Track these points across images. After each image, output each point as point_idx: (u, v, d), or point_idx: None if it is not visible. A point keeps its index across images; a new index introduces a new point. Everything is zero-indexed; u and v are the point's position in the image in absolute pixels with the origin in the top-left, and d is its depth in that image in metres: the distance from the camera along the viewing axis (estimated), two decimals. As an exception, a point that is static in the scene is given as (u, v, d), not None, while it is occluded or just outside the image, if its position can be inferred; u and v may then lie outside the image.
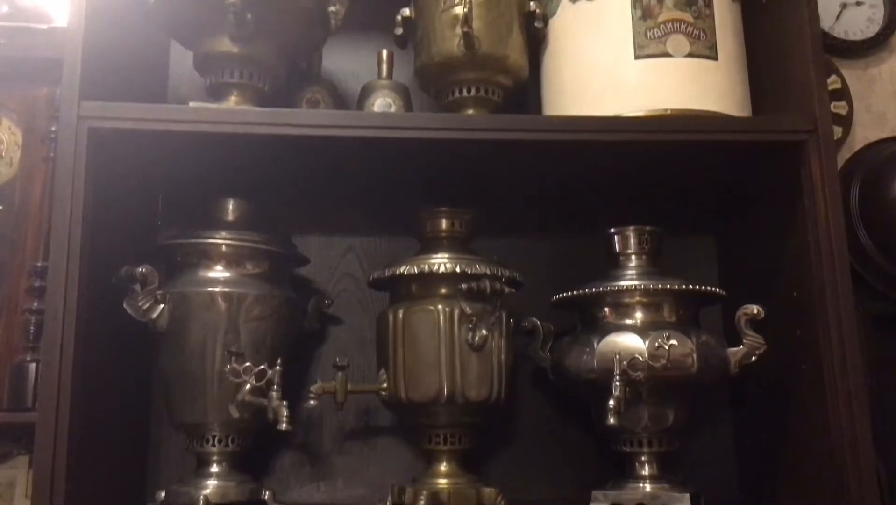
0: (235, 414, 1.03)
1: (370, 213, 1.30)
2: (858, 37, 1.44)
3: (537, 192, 1.28)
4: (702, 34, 1.09)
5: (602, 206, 1.27)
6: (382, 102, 1.21)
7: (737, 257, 1.27)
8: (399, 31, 1.19)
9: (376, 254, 1.30)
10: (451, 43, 1.12)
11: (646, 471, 1.06)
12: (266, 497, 1.05)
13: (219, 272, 1.07)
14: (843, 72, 1.43)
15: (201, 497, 0.99)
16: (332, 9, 1.15)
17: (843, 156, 1.38)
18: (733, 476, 1.24)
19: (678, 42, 1.08)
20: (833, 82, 1.41)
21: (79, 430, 0.93)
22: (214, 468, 1.05)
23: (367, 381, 1.18)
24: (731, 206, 1.27)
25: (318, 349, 1.27)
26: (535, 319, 1.16)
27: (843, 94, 1.41)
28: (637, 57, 1.08)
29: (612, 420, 0.96)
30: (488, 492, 1.02)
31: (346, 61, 1.35)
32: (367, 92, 1.22)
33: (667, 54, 1.07)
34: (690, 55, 1.08)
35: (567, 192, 1.28)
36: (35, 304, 1.13)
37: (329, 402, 1.21)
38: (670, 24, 1.08)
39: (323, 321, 1.26)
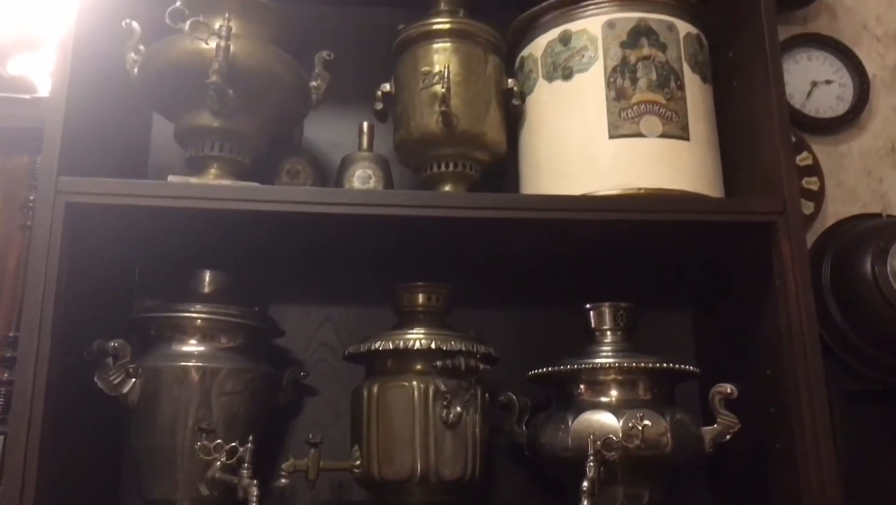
0: (205, 491, 1.02)
1: (347, 283, 1.31)
2: (829, 114, 1.48)
3: (514, 267, 1.29)
4: (674, 115, 1.11)
5: (578, 281, 1.28)
6: (362, 174, 1.22)
7: (713, 332, 1.28)
8: (379, 105, 1.21)
9: (353, 324, 1.30)
10: (430, 120, 1.14)
11: (621, 552, 1.05)
12: (235, 577, 1.03)
13: (192, 346, 1.06)
14: (815, 148, 1.46)
15: (168, 578, 0.97)
16: (313, 84, 1.18)
17: (816, 230, 1.41)
18: (711, 554, 1.23)
19: (651, 123, 1.11)
20: (805, 158, 1.44)
21: (45, 503, 0.91)
22: (183, 546, 1.03)
23: (341, 454, 1.16)
24: (705, 283, 1.29)
25: (293, 420, 1.26)
26: (510, 393, 1.16)
27: (814, 169, 1.44)
28: (611, 136, 1.10)
29: (586, 503, 0.95)
30: (461, 574, 1.01)
31: (328, 132, 1.36)
32: (347, 163, 1.23)
33: (640, 134, 1.10)
34: (663, 135, 1.10)
35: (543, 267, 1.29)
36: (6, 375, 1.12)
37: (301, 477, 1.20)
38: (643, 105, 1.11)
39: (298, 392, 1.25)
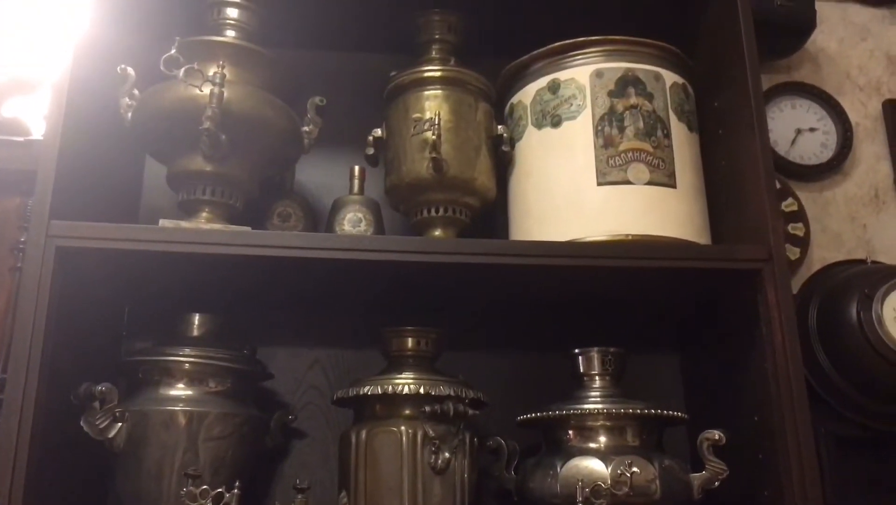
0: (190, 538, 1.00)
1: (337, 326, 1.31)
2: (813, 161, 1.50)
3: (503, 312, 1.30)
4: (661, 163, 1.13)
5: (566, 326, 1.29)
6: (353, 217, 1.23)
7: (700, 378, 1.28)
8: (370, 151, 1.23)
9: (342, 367, 1.30)
10: (421, 165, 1.15)
11: None
12: None
13: (180, 390, 1.06)
14: (800, 194, 1.48)
15: None
16: (305, 129, 1.20)
17: (802, 276, 1.42)
18: None
19: (638, 170, 1.12)
20: (790, 205, 1.46)
21: (25, 555, 0.90)
22: None
23: (329, 499, 1.16)
24: (692, 329, 1.29)
25: (281, 464, 1.25)
26: (499, 438, 1.16)
27: (800, 215, 1.46)
28: (599, 183, 1.12)
29: (574, 553, 0.95)
30: None
31: (320, 175, 1.38)
32: (338, 206, 1.24)
33: (628, 182, 1.12)
34: (650, 183, 1.12)
35: (532, 312, 1.30)
36: (-9, 417, 1.11)
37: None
38: (631, 153, 1.13)
39: (287, 435, 1.24)
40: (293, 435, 1.26)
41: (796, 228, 1.44)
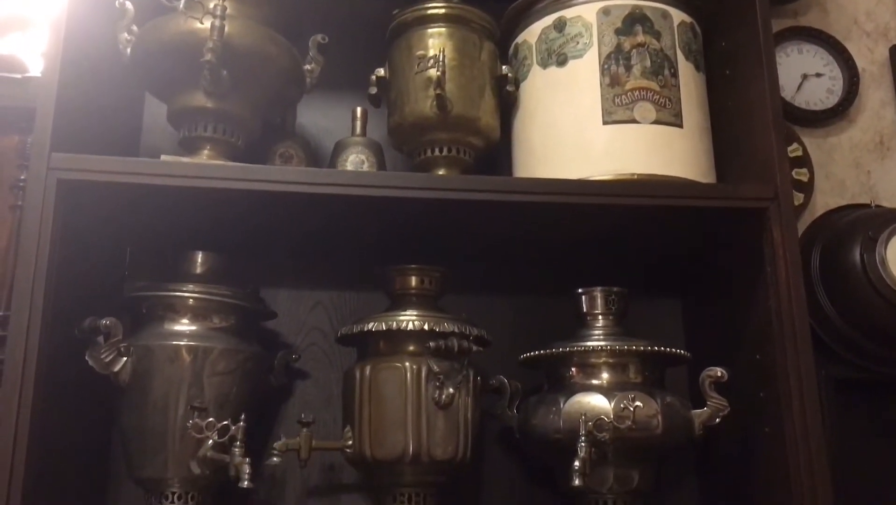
0: (196, 470, 1.01)
1: (340, 268, 1.31)
2: (819, 107, 1.49)
3: (506, 252, 1.29)
4: (667, 102, 1.12)
5: (570, 268, 1.28)
6: (355, 159, 1.22)
7: (702, 320, 1.29)
8: (373, 90, 1.21)
9: (345, 308, 1.30)
10: (424, 104, 1.14)
11: (611, 533, 1.06)
12: (225, 557, 1.03)
13: (184, 325, 1.06)
14: (805, 140, 1.47)
15: (158, 556, 0.97)
16: (307, 67, 1.18)
17: (805, 221, 1.42)
18: (699, 539, 1.24)
19: (645, 109, 1.11)
20: (794, 150, 1.45)
21: (34, 483, 0.90)
22: (173, 525, 1.03)
23: (332, 437, 1.17)
24: (696, 271, 1.29)
25: (284, 404, 1.26)
26: (502, 377, 1.16)
27: (804, 161, 1.45)
28: (605, 123, 1.11)
29: (577, 481, 0.95)
30: (452, 554, 1.01)
31: (321, 118, 1.36)
32: (340, 148, 1.23)
33: (634, 121, 1.10)
34: (656, 122, 1.11)
35: (536, 253, 1.29)
36: (-5, 353, 1.11)
37: (293, 458, 1.20)
38: (637, 91, 1.11)
39: (290, 376, 1.25)
40: (296, 375, 1.27)
41: (800, 174, 1.43)
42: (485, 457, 1.23)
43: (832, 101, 1.50)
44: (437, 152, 1.17)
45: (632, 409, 0.99)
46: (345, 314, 1.29)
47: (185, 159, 1.07)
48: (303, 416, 1.04)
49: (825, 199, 1.45)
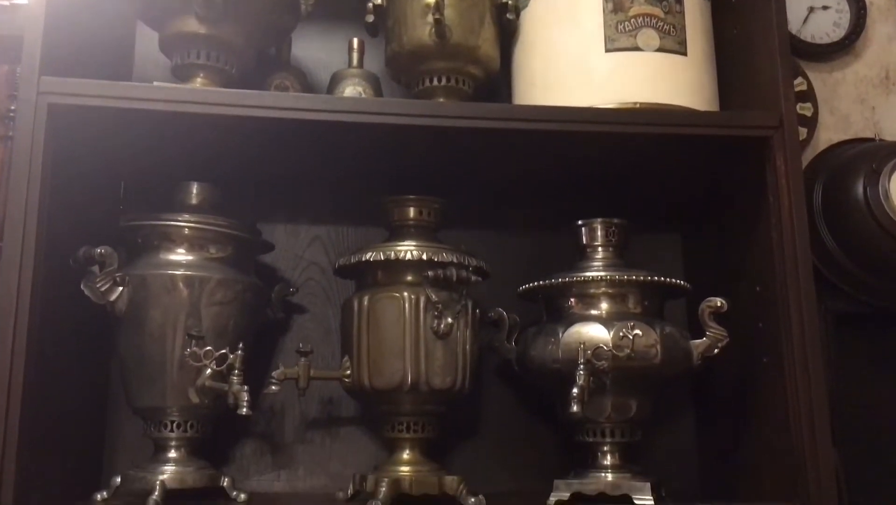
0: (195, 399, 1.01)
1: (338, 202, 1.29)
2: (825, 40, 1.46)
3: (505, 186, 1.28)
4: (672, 29, 1.09)
5: (569, 202, 1.27)
6: (352, 91, 1.20)
7: (702, 255, 1.28)
8: (370, 18, 1.18)
9: (343, 243, 1.29)
10: (423, 31, 1.11)
11: (608, 461, 1.06)
12: (225, 484, 1.03)
13: (181, 255, 1.05)
14: (809, 74, 1.45)
15: (158, 482, 0.97)
16: (302, -7, 1.15)
17: (808, 157, 1.40)
18: (693, 470, 1.25)
19: (648, 36, 1.09)
20: (799, 84, 1.42)
21: (31, 413, 0.90)
22: (172, 454, 1.03)
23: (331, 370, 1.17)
24: (697, 205, 1.28)
25: (282, 339, 1.26)
26: (500, 309, 1.16)
27: (808, 95, 1.43)
28: (607, 50, 1.08)
29: (575, 408, 0.96)
30: (450, 480, 1.02)
31: (317, 50, 1.34)
32: (336, 80, 1.21)
33: (637, 48, 1.08)
34: (660, 50, 1.08)
35: (535, 186, 1.28)
36: (-10, 284, 1.10)
37: (291, 391, 1.20)
38: (641, 18, 1.09)
39: (287, 310, 1.24)
40: (294, 310, 1.27)
41: (804, 109, 1.41)
42: (483, 389, 1.24)
43: (838, 34, 1.47)
44: (435, 82, 1.15)
45: (631, 337, 0.99)
46: (343, 249, 1.27)
47: (178, 85, 1.04)
48: (301, 345, 1.04)
49: (829, 135, 1.43)
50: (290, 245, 1.29)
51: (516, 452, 1.23)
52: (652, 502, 0.99)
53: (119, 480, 1.01)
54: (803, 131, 1.40)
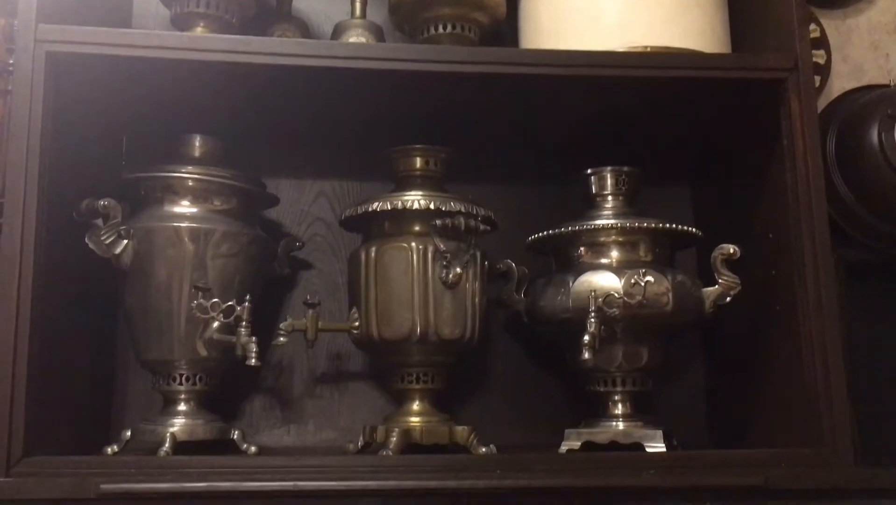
0: (203, 352, 1.01)
1: (343, 156, 1.28)
2: (838, -15, 1.43)
3: (513, 137, 1.26)
4: (683, -30, 1.06)
5: (577, 154, 1.24)
6: (356, 41, 1.17)
7: (712, 205, 1.26)
8: (373, -35, 1.15)
9: (348, 198, 1.27)
10: (427, -23, 1.09)
11: (619, 410, 1.06)
12: (235, 437, 1.03)
13: (185, 207, 1.03)
14: (822, 21, 1.42)
15: (168, 434, 0.97)
16: (303, -61, 1.12)
17: (820, 105, 1.36)
18: (703, 419, 1.25)
19: (659, -22, 1.06)
20: (812, 31, 1.39)
21: (38, 369, 0.90)
22: (182, 407, 1.02)
23: (338, 325, 1.16)
24: (707, 152, 1.26)
25: (288, 295, 1.25)
26: (509, 261, 1.15)
27: (821, 43, 1.40)
28: (617, -7, 1.06)
29: (586, 355, 0.95)
30: (461, 430, 1.01)
31: (318, 1, 1.31)
32: (339, 31, 1.18)
33: (647, -10, 1.05)
34: (671, -8, 1.06)
35: (543, 138, 1.25)
36: (-7, 240, 1.09)
37: (299, 347, 1.20)
38: (651, -41, 1.06)
39: (293, 267, 1.23)
40: (300, 266, 1.26)
41: (817, 56, 1.38)
42: (493, 343, 1.23)
43: (852, -21, 1.43)
44: (440, 30, 1.12)
45: (642, 284, 0.98)
46: (348, 204, 1.25)
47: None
48: (308, 297, 1.03)
49: (842, 83, 1.41)
50: (294, 200, 1.28)
51: (526, 405, 1.23)
52: (664, 449, 0.99)
53: (129, 433, 1.01)
54: (816, 79, 1.36)
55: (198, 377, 1.03)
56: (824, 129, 1.29)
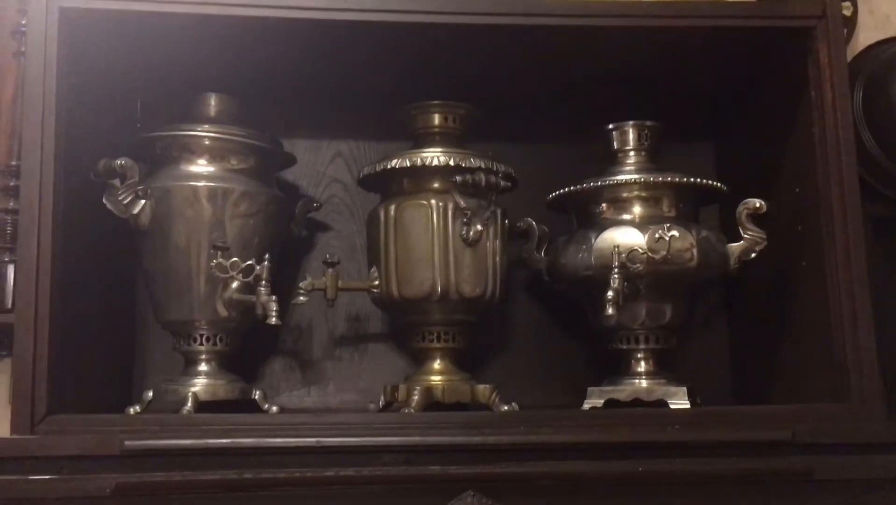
0: (223, 312, 1.00)
1: (360, 116, 1.26)
2: (865, -65, 1.39)
3: (533, 95, 1.23)
4: (707, -83, 1.03)
5: (597, 112, 1.21)
6: (372, -3, 1.15)
7: (736, 160, 1.24)
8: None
9: (366, 159, 1.26)
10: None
11: (642, 368, 1.05)
12: (257, 397, 1.03)
13: (202, 167, 1.02)
14: (849, -28, 1.38)
15: (190, 394, 0.97)
16: None
17: (846, 58, 1.34)
18: (727, 377, 1.24)
19: (682, -75, 1.03)
20: (838, -18, 1.35)
21: (59, 331, 0.90)
22: (203, 367, 1.02)
23: (357, 285, 1.15)
24: (732, 108, 1.23)
25: (306, 257, 1.24)
26: (530, 219, 1.13)
27: (849, -7, 1.36)
28: (639, -59, 1.03)
29: (610, 311, 0.93)
30: (483, 388, 1.01)
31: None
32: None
33: (670, -63, 1.02)
34: (695, -61, 1.03)
35: (564, 95, 1.22)
36: (11, 203, 1.09)
37: (319, 308, 1.20)
38: None
39: (311, 229, 1.23)
40: (318, 228, 1.25)
41: (844, 7, 1.34)
42: (513, 302, 1.22)
43: (880, -72, 1.39)
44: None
45: (667, 239, 0.96)
46: (365, 165, 1.24)
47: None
48: (328, 256, 1.02)
49: (867, 36, 1.37)
50: (311, 162, 1.27)
51: (547, 365, 1.22)
52: (688, 405, 0.98)
53: (151, 394, 1.01)
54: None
55: (218, 338, 1.03)
56: (851, 83, 1.25)
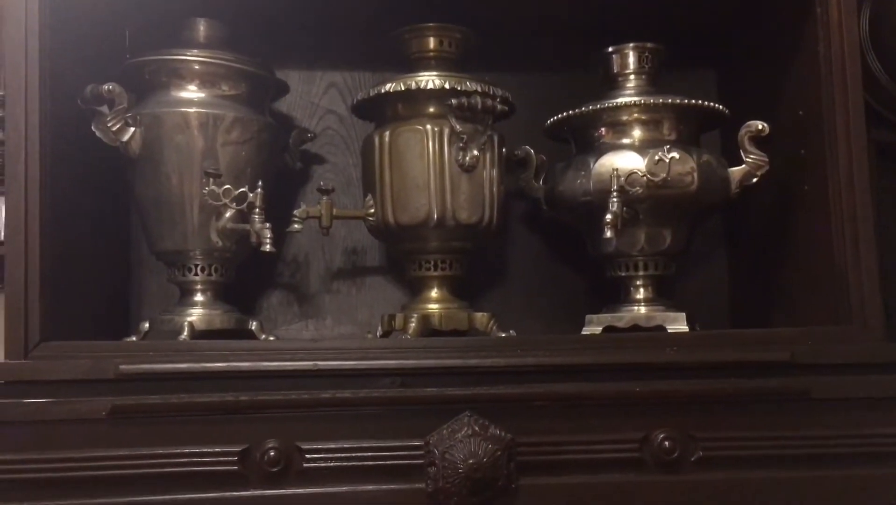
0: (217, 241, 0.99)
1: (353, 45, 1.23)
2: None
3: (531, 20, 1.20)
4: None
5: (598, 37, 1.19)
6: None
7: (737, 88, 1.22)
8: None
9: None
10: None
11: (640, 294, 1.04)
12: (253, 327, 1.02)
13: (192, 92, 1.00)
14: None
15: (186, 323, 0.96)
16: None
17: (853, -18, 1.30)
18: (725, 307, 1.23)
19: None
20: None
21: (51, 262, 0.88)
22: (198, 297, 1.02)
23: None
24: (734, 34, 1.20)
25: (301, 189, 1.22)
26: (527, 147, 1.11)
27: (854, -89, 1.31)
28: None
29: (608, 234, 0.92)
30: (480, 316, 1.00)
31: None
32: None
33: None
34: None
35: (562, 21, 1.19)
36: (-1, 134, 1.07)
37: (315, 242, 1.19)
38: None
39: (306, 161, 1.21)
40: (312, 161, 1.23)
41: (852, -74, 1.30)
42: (511, 232, 1.21)
43: None
44: None
45: (667, 161, 0.94)
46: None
47: None
48: (322, 183, 1.00)
49: (877, -43, 1.33)
50: (304, 92, 1.24)
51: (545, 295, 1.22)
52: (687, 329, 0.97)
53: (147, 325, 1.00)
54: (850, -47, 1.29)
55: (213, 268, 1.02)
56: (858, 5, 1.22)
